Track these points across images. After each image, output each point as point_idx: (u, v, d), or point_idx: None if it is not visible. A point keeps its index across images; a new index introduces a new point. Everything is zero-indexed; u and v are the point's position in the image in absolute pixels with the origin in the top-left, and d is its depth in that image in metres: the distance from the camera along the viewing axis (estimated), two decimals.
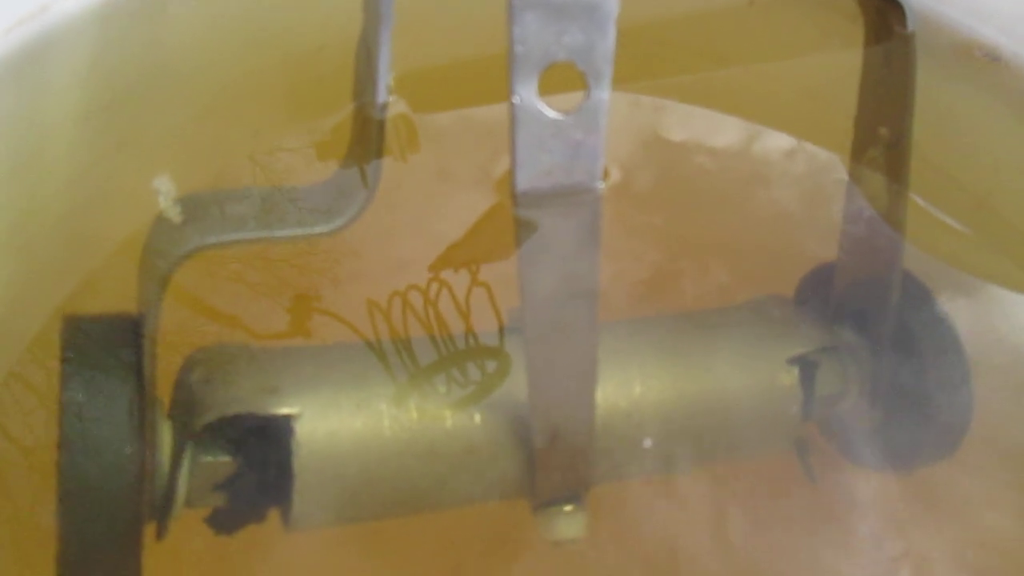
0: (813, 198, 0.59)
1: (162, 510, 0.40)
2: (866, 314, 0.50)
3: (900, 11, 0.51)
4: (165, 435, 0.41)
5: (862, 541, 0.49)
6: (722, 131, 0.62)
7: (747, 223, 0.59)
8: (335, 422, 0.41)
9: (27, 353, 0.48)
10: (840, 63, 0.52)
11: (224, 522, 0.43)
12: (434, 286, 0.47)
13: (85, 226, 0.50)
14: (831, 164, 0.59)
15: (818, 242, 0.56)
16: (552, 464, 0.43)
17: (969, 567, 0.47)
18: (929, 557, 0.48)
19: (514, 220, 0.37)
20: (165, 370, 0.42)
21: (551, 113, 0.36)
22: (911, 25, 0.51)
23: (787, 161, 0.61)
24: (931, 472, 0.50)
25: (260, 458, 0.41)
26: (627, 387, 0.45)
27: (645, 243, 0.57)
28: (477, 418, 0.43)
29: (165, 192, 0.38)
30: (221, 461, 0.41)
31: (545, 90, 0.36)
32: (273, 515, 0.43)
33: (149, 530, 0.40)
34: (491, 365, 0.44)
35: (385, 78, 0.40)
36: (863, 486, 0.51)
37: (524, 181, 0.37)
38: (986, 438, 0.49)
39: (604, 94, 0.36)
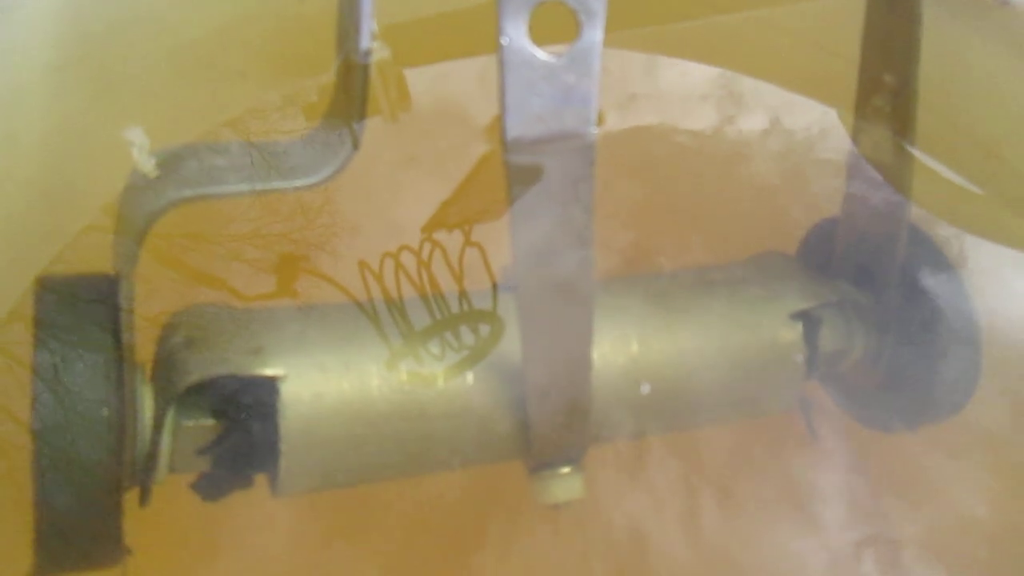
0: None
1: (144, 475, 0.39)
2: (871, 269, 0.48)
3: None
4: (146, 398, 0.39)
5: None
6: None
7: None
8: (322, 384, 0.40)
9: (6, 321, 0.46)
10: (842, 7, 0.51)
11: (210, 488, 0.42)
12: (426, 245, 0.46)
13: (64, 187, 0.49)
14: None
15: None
16: (548, 424, 0.42)
17: None
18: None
19: (504, 167, 0.36)
20: (145, 333, 0.41)
21: (541, 55, 0.34)
22: None
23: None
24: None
25: (245, 421, 0.40)
26: (624, 344, 0.44)
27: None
28: (470, 379, 0.42)
29: (139, 144, 0.36)
30: (204, 424, 0.40)
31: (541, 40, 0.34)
32: (260, 480, 0.42)
33: (132, 496, 0.39)
34: (483, 324, 0.43)
35: (369, 23, 0.38)
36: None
37: (514, 127, 0.35)
38: None
39: (597, 35, 0.34)
